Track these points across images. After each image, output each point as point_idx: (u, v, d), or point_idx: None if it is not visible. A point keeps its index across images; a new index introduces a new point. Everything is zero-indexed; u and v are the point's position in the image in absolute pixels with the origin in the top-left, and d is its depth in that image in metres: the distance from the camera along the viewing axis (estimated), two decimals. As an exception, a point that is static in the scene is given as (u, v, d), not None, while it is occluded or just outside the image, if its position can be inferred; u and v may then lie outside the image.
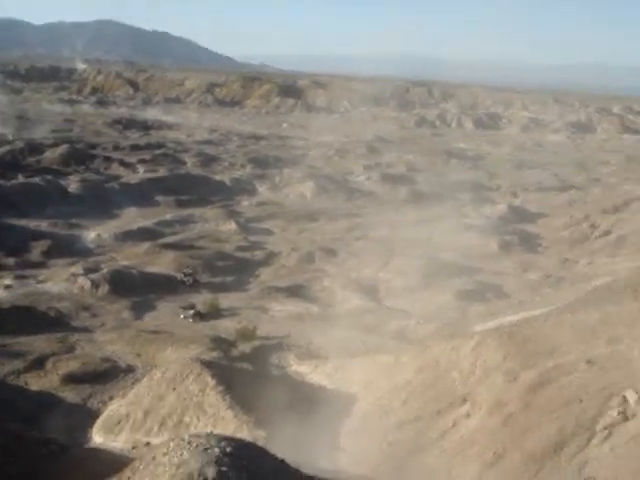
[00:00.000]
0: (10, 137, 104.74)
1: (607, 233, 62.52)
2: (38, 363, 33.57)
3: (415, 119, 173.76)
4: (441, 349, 28.51)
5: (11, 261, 50.51)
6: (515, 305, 42.36)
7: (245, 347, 36.68)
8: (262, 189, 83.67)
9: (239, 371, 31.51)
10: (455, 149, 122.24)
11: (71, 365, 33.40)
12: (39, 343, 36.03)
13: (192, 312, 41.97)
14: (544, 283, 48.84)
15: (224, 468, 14.26)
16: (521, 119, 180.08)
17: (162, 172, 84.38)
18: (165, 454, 15.02)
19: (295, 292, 47.37)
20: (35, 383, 31.85)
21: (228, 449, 14.94)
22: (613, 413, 21.84)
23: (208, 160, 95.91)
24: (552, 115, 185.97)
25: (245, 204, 76.27)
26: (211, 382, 27.81)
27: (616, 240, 59.95)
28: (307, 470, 17.43)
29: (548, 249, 60.76)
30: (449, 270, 50.06)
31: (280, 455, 16.81)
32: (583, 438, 21.46)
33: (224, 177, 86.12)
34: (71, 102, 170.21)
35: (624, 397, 22.06)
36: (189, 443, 15.15)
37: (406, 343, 35.97)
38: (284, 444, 21.72)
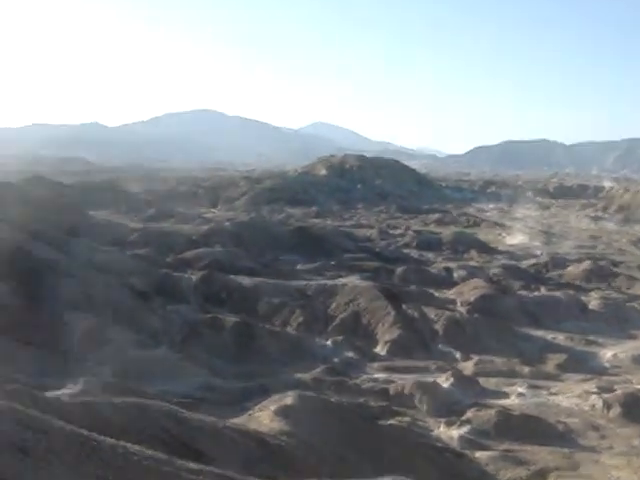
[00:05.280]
0: (537, 251, 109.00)
1: None
2: (540, 474, 33.44)
3: None
4: None
5: (526, 370, 51.52)
6: None
7: None
8: None
9: None
10: None
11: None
12: (543, 455, 35.87)
13: None
14: None
15: None
16: None
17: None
18: None
19: None
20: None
21: None
22: None
23: None
24: None
25: None
26: None
27: None
28: None
29: None
30: None
31: None
32: None
33: None
34: (596, 219, 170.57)
35: None
36: None
37: None
38: None
